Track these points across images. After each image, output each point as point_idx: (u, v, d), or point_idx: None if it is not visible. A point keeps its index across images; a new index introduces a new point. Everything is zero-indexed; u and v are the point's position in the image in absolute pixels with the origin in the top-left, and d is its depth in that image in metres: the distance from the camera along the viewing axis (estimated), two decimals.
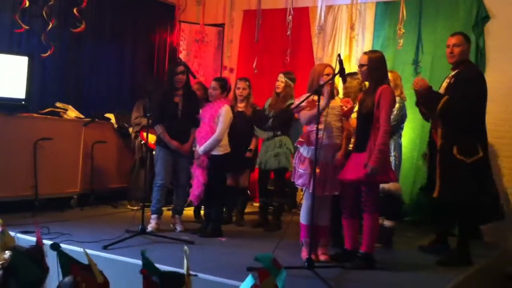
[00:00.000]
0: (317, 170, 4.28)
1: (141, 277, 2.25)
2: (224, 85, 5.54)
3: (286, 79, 5.81)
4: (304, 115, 4.51)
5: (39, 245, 2.67)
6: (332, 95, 4.58)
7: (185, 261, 2.27)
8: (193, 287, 2.21)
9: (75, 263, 2.28)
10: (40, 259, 2.57)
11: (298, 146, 4.67)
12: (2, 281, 2.32)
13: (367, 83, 4.70)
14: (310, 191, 4.39)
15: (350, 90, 5.17)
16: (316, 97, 4.22)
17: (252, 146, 6.08)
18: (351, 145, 4.75)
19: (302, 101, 4.44)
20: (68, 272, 2.25)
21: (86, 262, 2.35)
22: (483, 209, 5.34)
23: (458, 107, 4.54)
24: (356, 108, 4.70)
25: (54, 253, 2.35)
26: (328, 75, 4.49)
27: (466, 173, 4.52)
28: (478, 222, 5.55)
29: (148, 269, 2.19)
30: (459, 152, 4.53)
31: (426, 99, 4.78)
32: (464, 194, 4.55)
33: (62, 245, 2.44)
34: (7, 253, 2.39)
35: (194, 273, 2.48)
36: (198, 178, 5.43)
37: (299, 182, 4.56)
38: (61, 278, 2.29)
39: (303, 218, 4.56)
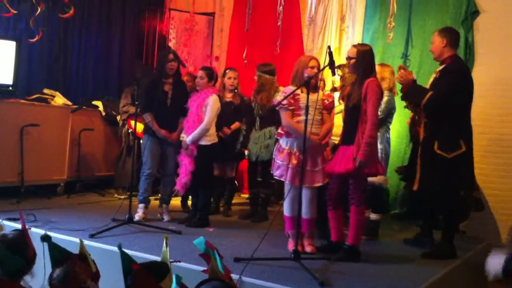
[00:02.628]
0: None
1: None
2: (210, 74, 5.52)
3: (259, 74, 5.76)
4: (287, 124, 4.49)
5: (23, 232, 2.66)
6: (316, 88, 4.56)
7: (166, 249, 2.28)
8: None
9: (71, 254, 2.28)
10: (25, 247, 2.56)
11: (278, 138, 4.68)
12: None
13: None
14: (287, 181, 4.42)
15: (346, 82, 5.22)
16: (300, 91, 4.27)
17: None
18: (334, 138, 4.77)
19: (287, 96, 4.42)
20: (59, 262, 2.24)
21: (74, 251, 2.35)
22: (463, 204, 5.42)
23: (440, 100, 4.54)
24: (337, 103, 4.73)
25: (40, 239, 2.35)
26: (312, 67, 4.47)
27: (445, 168, 4.52)
28: (460, 218, 5.62)
29: (125, 261, 2.20)
30: (439, 147, 4.54)
31: (409, 93, 4.78)
32: (442, 188, 4.57)
33: (49, 233, 2.43)
34: None
35: (177, 260, 2.49)
36: (186, 166, 5.41)
37: (277, 173, 4.57)
38: (48, 266, 2.28)
39: (286, 210, 4.58)
